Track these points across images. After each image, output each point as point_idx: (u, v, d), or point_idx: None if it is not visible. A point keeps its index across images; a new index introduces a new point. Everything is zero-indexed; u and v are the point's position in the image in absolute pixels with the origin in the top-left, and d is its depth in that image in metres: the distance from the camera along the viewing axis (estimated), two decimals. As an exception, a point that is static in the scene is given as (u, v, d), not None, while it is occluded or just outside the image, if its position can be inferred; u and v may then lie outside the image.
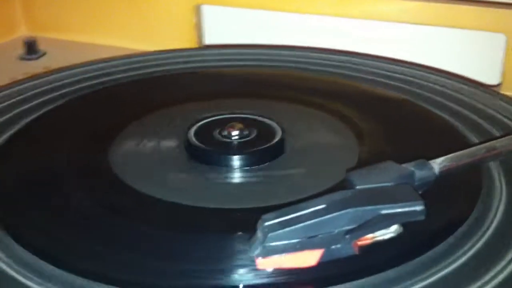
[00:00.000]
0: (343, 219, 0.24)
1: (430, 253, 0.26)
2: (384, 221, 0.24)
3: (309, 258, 0.24)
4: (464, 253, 0.26)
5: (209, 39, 0.60)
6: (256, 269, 0.24)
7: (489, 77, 0.52)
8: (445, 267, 0.25)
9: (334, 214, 0.24)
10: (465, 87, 0.44)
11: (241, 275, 0.25)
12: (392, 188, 0.26)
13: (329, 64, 0.49)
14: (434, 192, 0.27)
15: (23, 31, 0.66)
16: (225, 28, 0.60)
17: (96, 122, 0.39)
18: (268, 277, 0.25)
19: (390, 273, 0.25)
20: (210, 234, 0.28)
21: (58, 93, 0.44)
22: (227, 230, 0.28)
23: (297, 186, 0.32)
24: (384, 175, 0.26)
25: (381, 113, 0.40)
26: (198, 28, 0.60)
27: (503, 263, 0.26)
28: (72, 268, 0.25)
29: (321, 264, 0.24)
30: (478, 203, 0.30)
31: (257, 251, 0.24)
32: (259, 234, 0.24)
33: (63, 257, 0.26)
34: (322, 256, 0.24)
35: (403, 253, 0.26)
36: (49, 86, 0.45)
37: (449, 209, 0.29)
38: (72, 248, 0.27)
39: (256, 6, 0.57)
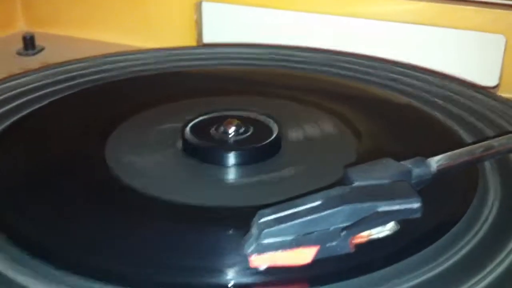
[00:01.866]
0: (339, 215, 0.24)
1: (423, 252, 0.26)
2: (381, 218, 0.24)
3: (304, 255, 0.24)
4: (456, 253, 0.26)
5: (208, 37, 0.60)
6: (248, 268, 0.24)
7: (488, 78, 0.51)
8: (437, 266, 0.25)
9: (330, 210, 0.24)
10: (462, 88, 0.43)
11: (233, 273, 0.25)
12: (389, 185, 0.25)
13: (327, 63, 0.49)
14: (428, 190, 0.27)
15: (22, 26, 0.65)
16: (225, 25, 0.60)
17: (91, 119, 0.39)
18: (258, 275, 0.24)
19: (381, 272, 0.25)
20: (202, 232, 0.28)
21: (53, 88, 0.44)
22: (221, 228, 0.28)
23: (294, 184, 0.32)
24: (381, 172, 0.26)
25: (378, 113, 0.40)
26: (198, 25, 0.60)
27: (495, 262, 0.25)
28: (69, 267, 0.25)
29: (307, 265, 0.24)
30: (472, 202, 0.30)
31: (251, 248, 0.24)
32: (254, 230, 0.24)
33: (60, 256, 0.26)
34: (317, 254, 0.24)
35: (394, 253, 0.26)
36: (44, 81, 0.45)
37: (442, 208, 0.29)
38: (68, 247, 0.27)
39: (257, 4, 0.57)
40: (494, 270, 0.25)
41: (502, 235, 0.27)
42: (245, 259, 0.24)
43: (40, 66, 0.51)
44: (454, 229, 0.28)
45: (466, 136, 0.37)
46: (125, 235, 0.28)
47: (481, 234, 0.28)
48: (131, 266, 0.26)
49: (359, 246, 0.25)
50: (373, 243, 0.25)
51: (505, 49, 0.50)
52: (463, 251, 0.26)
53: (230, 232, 0.27)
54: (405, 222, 0.25)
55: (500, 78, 0.51)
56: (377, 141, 0.36)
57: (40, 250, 0.26)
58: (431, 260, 0.26)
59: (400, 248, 0.26)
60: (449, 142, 0.36)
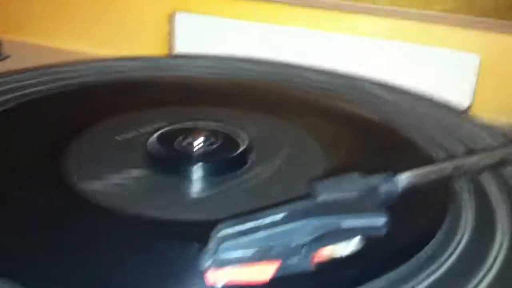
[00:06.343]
0: (303, 229, 0.23)
1: (394, 272, 0.25)
2: (345, 234, 0.23)
3: (263, 272, 0.23)
4: (429, 275, 0.25)
5: (181, 48, 0.59)
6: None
7: (461, 97, 0.51)
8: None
9: (294, 224, 0.23)
10: (434, 107, 0.43)
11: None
12: (355, 200, 0.24)
13: (298, 76, 0.48)
14: (399, 207, 0.26)
15: (-11, 33, 0.64)
16: (198, 37, 0.59)
17: (53, 127, 0.38)
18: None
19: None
20: (163, 247, 0.26)
21: (12, 95, 0.42)
22: (181, 242, 0.26)
23: (261, 197, 0.31)
24: (348, 186, 0.25)
25: (349, 128, 0.39)
26: (171, 36, 0.59)
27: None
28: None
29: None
30: (445, 220, 0.29)
31: (208, 263, 0.23)
32: (211, 244, 0.23)
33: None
34: (277, 271, 0.23)
35: (364, 273, 0.25)
36: (4, 87, 0.43)
37: (415, 226, 0.29)
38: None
39: (230, 16, 0.56)
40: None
41: (476, 254, 0.27)
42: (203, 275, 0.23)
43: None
44: (425, 249, 0.27)
45: (436, 155, 0.36)
46: (83, 250, 0.26)
47: (456, 253, 0.27)
48: (86, 281, 0.24)
49: (321, 265, 0.23)
50: (337, 263, 0.24)
51: (479, 69, 0.50)
52: (438, 272, 0.25)
53: (189, 247, 0.26)
54: (373, 240, 0.24)
55: (474, 97, 0.50)
56: (347, 156, 0.35)
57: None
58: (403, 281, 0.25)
59: (368, 268, 0.25)
60: (420, 160, 0.35)
